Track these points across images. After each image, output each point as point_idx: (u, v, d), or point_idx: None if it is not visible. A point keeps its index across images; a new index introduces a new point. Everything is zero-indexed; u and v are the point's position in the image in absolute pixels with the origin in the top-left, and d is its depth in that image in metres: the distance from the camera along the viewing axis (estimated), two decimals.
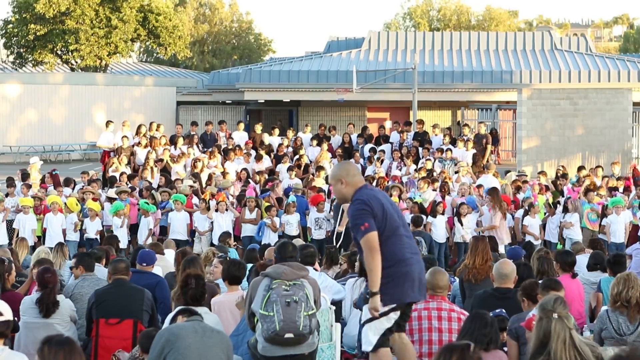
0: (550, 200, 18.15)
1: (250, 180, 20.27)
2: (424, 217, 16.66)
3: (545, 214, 17.61)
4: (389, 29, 61.34)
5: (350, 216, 6.61)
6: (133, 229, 17.41)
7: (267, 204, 17.43)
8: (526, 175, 21.04)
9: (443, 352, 4.66)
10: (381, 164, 21.53)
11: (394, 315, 6.51)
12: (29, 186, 18.06)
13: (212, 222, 17.25)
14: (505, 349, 6.60)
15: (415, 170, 20.53)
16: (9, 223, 16.91)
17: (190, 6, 61.61)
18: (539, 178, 20.34)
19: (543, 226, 17.45)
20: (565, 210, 17.18)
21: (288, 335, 6.68)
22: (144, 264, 9.48)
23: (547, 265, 9.24)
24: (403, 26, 69.17)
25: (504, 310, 7.21)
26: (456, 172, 20.67)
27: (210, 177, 19.97)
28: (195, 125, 24.49)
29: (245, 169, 20.77)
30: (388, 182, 19.76)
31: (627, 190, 19.10)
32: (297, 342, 6.77)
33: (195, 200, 18.19)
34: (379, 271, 6.40)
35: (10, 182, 18.43)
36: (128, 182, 19.09)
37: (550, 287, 7.22)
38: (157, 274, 9.53)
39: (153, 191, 18.19)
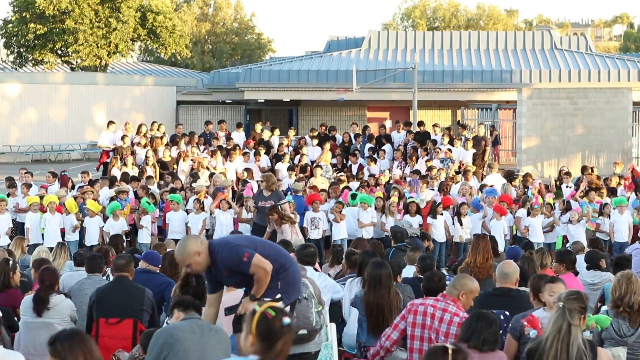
0: (550, 201, 18.11)
1: (248, 180, 20.18)
2: (409, 226, 15.04)
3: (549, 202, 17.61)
4: (388, 29, 61.21)
5: (226, 258, 6.45)
6: (133, 228, 17.37)
7: None
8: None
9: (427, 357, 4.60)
10: (375, 163, 21.61)
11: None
12: (29, 186, 17.99)
13: (204, 220, 17.13)
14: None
15: (412, 171, 20.36)
16: (14, 223, 16.85)
17: (195, 5, 61.61)
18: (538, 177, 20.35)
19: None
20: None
21: (302, 331, 6.70)
22: (161, 265, 9.62)
23: (527, 265, 9.33)
24: (401, 26, 69.09)
25: (507, 312, 7.15)
26: (457, 172, 20.62)
27: (210, 176, 19.93)
28: (209, 124, 24.43)
29: (249, 169, 20.62)
30: (390, 182, 19.72)
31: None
32: (308, 339, 6.80)
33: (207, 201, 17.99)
34: (267, 284, 6.45)
35: (11, 182, 18.32)
36: (143, 181, 19.00)
37: (548, 281, 7.19)
38: (165, 276, 9.55)
39: (151, 190, 18.12)
